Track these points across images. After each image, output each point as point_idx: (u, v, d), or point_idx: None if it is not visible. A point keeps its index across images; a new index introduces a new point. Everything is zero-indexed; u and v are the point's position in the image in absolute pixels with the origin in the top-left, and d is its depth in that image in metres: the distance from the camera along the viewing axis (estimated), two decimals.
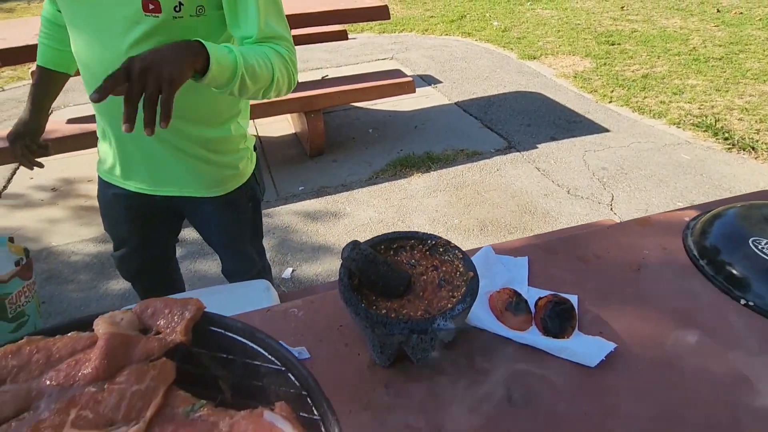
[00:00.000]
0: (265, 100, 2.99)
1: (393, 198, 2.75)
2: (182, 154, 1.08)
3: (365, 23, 6.13)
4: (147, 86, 0.72)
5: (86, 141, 2.53)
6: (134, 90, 0.72)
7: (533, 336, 0.78)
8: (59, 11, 1.05)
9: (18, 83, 4.65)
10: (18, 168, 3.15)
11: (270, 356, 0.40)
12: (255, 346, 0.41)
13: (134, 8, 0.87)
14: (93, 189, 2.89)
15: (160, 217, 1.26)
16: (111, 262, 2.27)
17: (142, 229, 1.27)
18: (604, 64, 4.57)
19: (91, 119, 2.61)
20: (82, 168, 3.10)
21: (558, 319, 0.78)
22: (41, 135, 1.20)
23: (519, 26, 5.89)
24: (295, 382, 0.37)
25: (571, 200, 2.71)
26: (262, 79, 0.90)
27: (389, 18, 3.15)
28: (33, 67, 3.70)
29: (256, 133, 3.53)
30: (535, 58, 4.83)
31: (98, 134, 1.18)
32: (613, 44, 5.06)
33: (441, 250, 0.80)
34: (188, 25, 0.92)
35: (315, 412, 0.34)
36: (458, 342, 0.76)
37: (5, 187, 2.97)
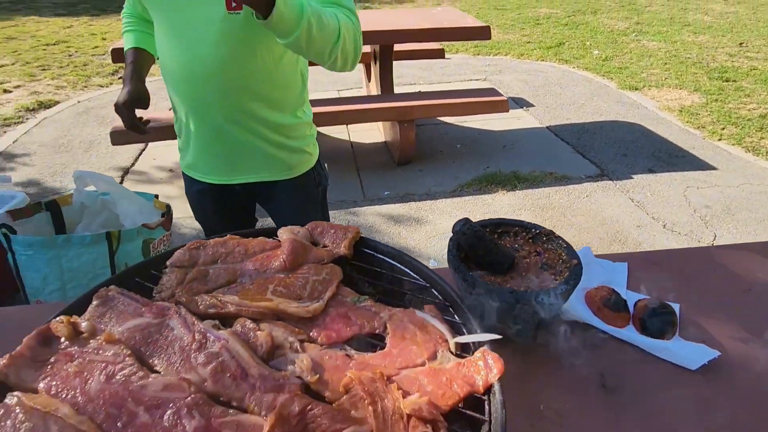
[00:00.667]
0: (361, 106, 3.16)
1: (476, 211, 2.78)
2: (259, 140, 1.16)
3: (461, 44, 6.25)
4: None
5: None
6: None
7: (632, 333, 0.78)
8: (144, 8, 1.17)
9: (150, 78, 5.28)
10: (144, 149, 3.58)
11: (415, 275, 0.47)
12: (401, 266, 0.48)
13: (219, 7, 0.98)
14: None
15: (240, 204, 1.35)
16: None
17: (226, 217, 1.35)
18: (716, 100, 4.28)
19: None
20: None
21: (659, 320, 0.79)
22: (149, 101, 1.24)
23: (621, 56, 5.69)
24: (438, 296, 0.44)
25: (666, 234, 2.57)
26: (328, 30, 0.93)
27: (490, 38, 3.22)
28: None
29: (348, 139, 3.73)
30: (636, 89, 4.64)
31: (176, 131, 1.27)
32: (727, 80, 4.72)
33: (544, 238, 0.83)
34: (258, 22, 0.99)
35: (457, 318, 0.41)
36: (555, 328, 0.79)
37: (132, 165, 3.40)
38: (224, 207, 1.32)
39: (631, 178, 3.09)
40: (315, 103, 3.30)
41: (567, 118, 4.03)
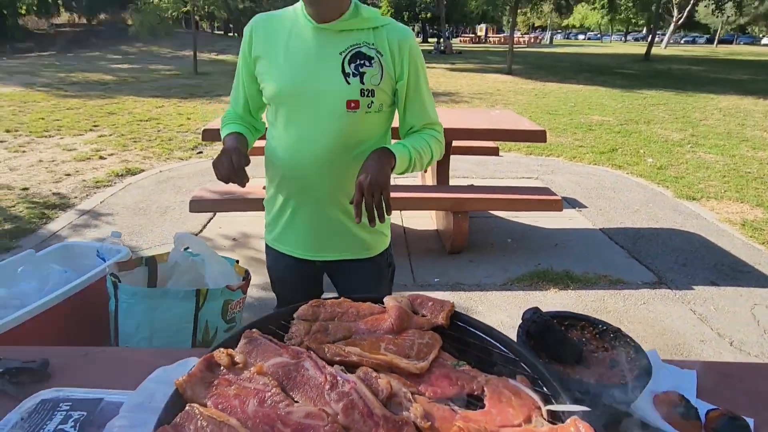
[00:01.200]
0: (418, 195, 3.33)
1: (526, 307, 2.74)
2: (349, 221, 1.28)
3: (513, 144, 6.51)
4: (375, 196, 1.05)
5: None
6: (369, 203, 1.05)
7: None
8: (251, 114, 1.37)
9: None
10: (212, 218, 3.86)
11: (504, 348, 0.52)
12: (491, 339, 0.54)
13: (341, 107, 1.16)
14: (263, 245, 3.43)
15: (316, 279, 1.46)
16: (268, 305, 2.61)
17: (301, 288, 1.44)
18: None
19: None
20: (260, 227, 3.68)
21: None
22: (247, 159, 1.26)
23: (676, 166, 5.71)
24: (526, 368, 0.48)
25: (734, 353, 2.41)
26: (426, 161, 1.24)
27: (545, 141, 3.38)
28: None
29: (401, 224, 3.88)
30: (694, 199, 4.60)
31: (268, 206, 1.39)
32: None
33: (612, 335, 0.86)
34: (371, 119, 1.20)
35: (545, 390, 0.45)
36: (625, 427, 0.78)
37: (200, 231, 3.66)
38: (302, 279, 1.42)
39: (692, 288, 2.98)
40: None
41: (621, 222, 4.02)
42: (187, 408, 0.48)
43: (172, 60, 18.44)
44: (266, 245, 1.44)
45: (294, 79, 1.19)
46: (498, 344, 0.53)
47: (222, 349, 0.56)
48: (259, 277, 2.96)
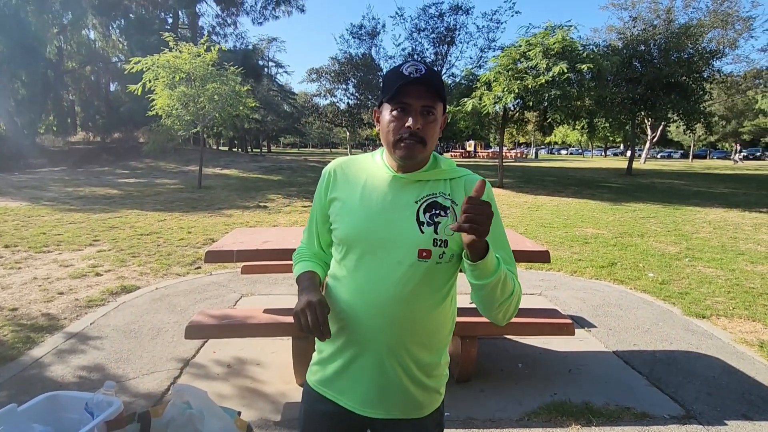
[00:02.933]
0: None
1: None
2: (405, 376, 1.21)
3: None
4: (481, 212, 0.99)
5: (275, 331, 2.93)
6: (476, 211, 1.00)
7: None
8: (323, 250, 1.36)
9: (222, 270, 5.76)
10: (206, 342, 3.67)
11: None
12: None
13: (412, 255, 1.16)
14: (261, 373, 3.22)
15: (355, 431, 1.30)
16: None
17: None
18: None
19: (283, 312, 3.07)
20: (256, 351, 3.50)
21: None
22: (329, 308, 1.20)
23: (678, 281, 5.68)
24: None
25: None
26: (509, 287, 1.12)
27: (549, 261, 3.37)
28: (238, 265, 4.54)
29: None
30: (704, 317, 4.49)
31: (321, 345, 1.30)
32: None
33: None
34: (441, 269, 1.18)
35: None
36: None
37: (193, 357, 3.45)
38: (338, 430, 1.29)
39: (725, 424, 2.75)
40: None
41: (634, 344, 3.86)
42: None
43: (178, 174, 19.28)
44: (306, 385, 1.33)
45: (367, 224, 1.20)
46: None
47: None
48: (256, 413, 2.72)
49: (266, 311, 3.09)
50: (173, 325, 4.02)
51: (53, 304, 4.44)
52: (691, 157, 46.22)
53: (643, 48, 20.61)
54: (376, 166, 1.27)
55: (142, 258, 6.27)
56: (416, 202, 1.20)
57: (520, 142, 77.65)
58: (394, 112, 1.16)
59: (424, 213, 1.18)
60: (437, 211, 1.19)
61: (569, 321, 3.13)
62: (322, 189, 1.31)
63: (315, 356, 1.35)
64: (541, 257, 3.34)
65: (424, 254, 1.15)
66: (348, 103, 32.96)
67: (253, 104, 15.33)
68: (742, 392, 3.11)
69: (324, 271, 1.37)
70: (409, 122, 1.14)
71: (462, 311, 3.37)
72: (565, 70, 13.25)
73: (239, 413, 1.28)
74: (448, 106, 16.20)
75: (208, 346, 3.61)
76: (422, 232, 1.17)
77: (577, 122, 19.98)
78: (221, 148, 43.52)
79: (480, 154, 48.87)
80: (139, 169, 20.80)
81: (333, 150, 73.95)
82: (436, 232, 1.17)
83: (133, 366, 3.29)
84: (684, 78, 20.51)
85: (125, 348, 3.56)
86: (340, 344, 1.25)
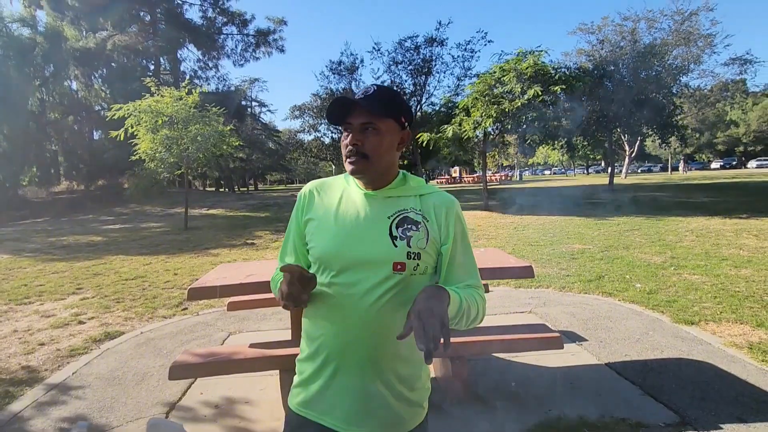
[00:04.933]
0: None
1: None
2: (385, 390, 1.21)
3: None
4: (434, 328, 0.97)
5: (261, 365, 2.87)
6: (426, 328, 0.97)
7: None
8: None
9: (209, 310, 5.66)
10: (193, 383, 3.58)
11: None
12: None
13: (387, 268, 1.19)
14: (250, 411, 3.14)
15: None
16: None
17: None
18: None
19: (270, 345, 3.02)
20: (244, 389, 3.42)
21: None
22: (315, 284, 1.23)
23: (665, 289, 5.72)
24: None
25: None
26: (472, 316, 1.18)
27: (534, 276, 3.39)
28: (224, 301, 4.49)
29: None
30: (693, 323, 4.50)
31: (302, 365, 1.31)
32: None
33: None
34: (416, 281, 1.21)
35: None
36: None
37: (179, 400, 3.35)
38: None
39: (720, 428, 2.73)
40: None
41: (626, 354, 3.85)
42: None
43: (164, 217, 19.14)
44: (289, 410, 1.31)
45: (342, 241, 1.23)
46: None
47: None
48: None
49: (252, 345, 3.04)
50: (159, 368, 3.92)
51: (33, 356, 4.31)
52: (670, 169, 47.32)
53: (612, 68, 21.38)
54: (348, 185, 1.32)
55: (126, 303, 6.15)
56: (389, 218, 1.24)
57: (504, 165, 78.99)
58: (344, 134, 1.26)
59: (397, 228, 1.22)
60: (409, 226, 1.23)
61: (557, 335, 3.13)
62: (298, 211, 1.36)
63: (296, 379, 1.34)
64: (525, 273, 3.36)
65: (399, 267, 1.19)
66: (332, 137, 33.38)
67: (237, 143, 15.45)
68: (735, 395, 3.10)
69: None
70: (348, 140, 1.23)
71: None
72: (539, 93, 13.65)
73: None
74: (429, 134, 16.29)
75: (194, 388, 3.52)
76: (396, 246, 1.20)
77: (555, 142, 20.44)
78: (207, 188, 43.47)
79: (465, 179, 49.48)
80: (125, 215, 20.62)
81: None
82: (409, 245, 1.21)
83: (117, 414, 3.18)
84: (654, 94, 21.23)
85: (108, 396, 3.45)
86: (320, 362, 1.25)
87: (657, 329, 4.41)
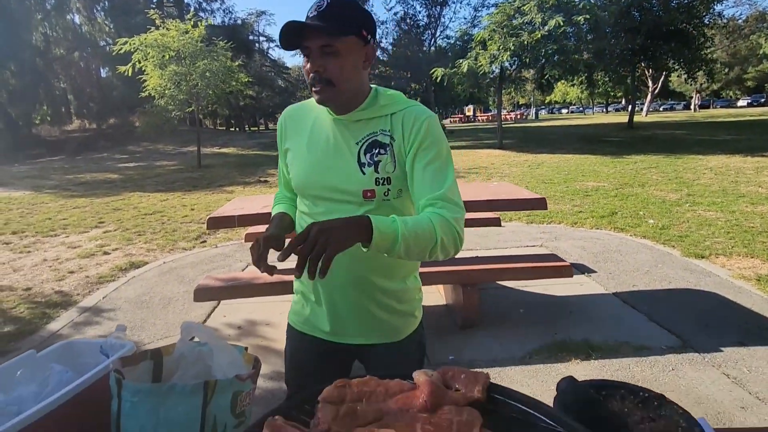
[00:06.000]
0: (425, 269, 3.29)
1: (550, 381, 2.59)
2: (373, 304, 1.25)
3: (514, 213, 6.59)
4: (316, 246, 0.89)
5: (280, 289, 3.01)
6: (306, 248, 0.90)
7: None
8: (294, 193, 1.38)
9: (227, 242, 5.84)
10: (216, 307, 3.78)
11: (551, 421, 0.47)
12: (534, 412, 0.48)
13: (358, 197, 1.16)
14: (271, 332, 3.33)
15: (341, 362, 1.36)
16: (277, 397, 2.46)
17: (321, 377, 1.37)
18: None
19: (288, 272, 3.14)
20: (265, 313, 3.61)
21: None
22: (284, 243, 1.28)
23: (679, 225, 5.72)
24: None
25: None
26: (423, 241, 1.03)
27: (546, 208, 3.41)
28: (241, 231, 4.62)
29: None
30: (703, 257, 4.55)
31: (296, 284, 1.37)
32: None
33: (656, 403, 0.79)
34: (390, 205, 1.17)
35: None
36: None
37: (205, 321, 3.56)
38: (325, 364, 1.34)
39: (721, 351, 2.84)
40: None
41: (634, 285, 3.94)
42: None
43: (176, 156, 19.25)
44: (289, 326, 1.39)
45: (314, 171, 1.21)
46: (544, 417, 0.48)
47: None
48: (268, 366, 2.83)
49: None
50: (183, 294, 4.13)
51: (65, 282, 4.55)
52: (693, 106, 45.47)
53: None
54: (319, 110, 1.25)
55: (147, 236, 6.36)
56: (357, 144, 1.19)
57: (520, 103, 76.53)
58: (304, 59, 1.13)
59: (365, 154, 1.18)
60: (377, 150, 1.18)
61: (566, 263, 3.20)
62: (279, 141, 1.34)
63: (293, 298, 1.40)
64: (538, 205, 3.38)
65: (369, 194, 1.16)
66: None
67: (246, 79, 15.15)
68: (738, 322, 3.20)
69: (294, 211, 1.40)
70: (308, 67, 1.12)
71: (462, 261, 3.45)
72: (561, 23, 12.94)
73: (246, 348, 1.35)
74: (443, 69, 15.54)
75: (218, 312, 3.72)
76: (364, 174, 1.16)
77: (575, 77, 19.61)
78: (218, 127, 43.20)
79: (479, 118, 48.30)
80: (138, 153, 20.77)
81: None
82: (377, 171, 1.16)
83: (148, 333, 3.41)
84: (684, 25, 19.97)
85: (138, 317, 3.68)
86: (310, 284, 1.29)
87: (667, 262, 4.47)
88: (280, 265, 1.25)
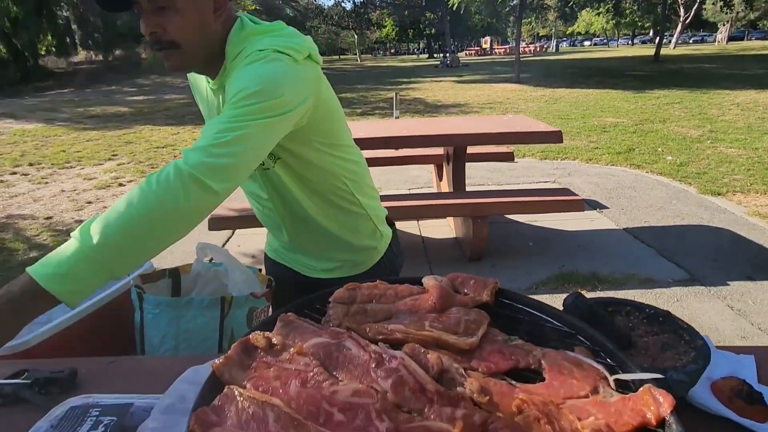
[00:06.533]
0: (435, 202, 3.29)
1: None
2: (330, 243, 1.20)
3: (527, 149, 6.47)
4: None
5: None
6: None
7: None
8: None
9: None
10: (231, 236, 3.88)
11: (557, 322, 0.48)
12: (542, 315, 0.50)
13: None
14: None
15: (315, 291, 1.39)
16: None
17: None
18: None
19: None
20: None
21: None
22: None
23: (697, 162, 5.58)
24: (585, 341, 0.45)
25: None
26: (130, 231, 0.74)
27: (561, 141, 3.33)
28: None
29: (419, 233, 3.83)
30: (719, 194, 4.47)
31: (265, 223, 1.33)
32: None
33: (660, 319, 0.81)
34: (279, 171, 1.04)
35: (610, 361, 0.41)
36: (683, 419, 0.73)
37: None
38: (302, 292, 1.36)
39: (727, 284, 2.87)
40: (390, 198, 3.50)
41: (645, 221, 3.92)
42: (226, 390, 0.45)
43: (185, 89, 18.88)
44: (265, 253, 1.41)
45: None
46: (550, 318, 0.49)
47: (258, 332, 0.53)
48: None
49: None
50: (199, 225, 4.21)
51: (84, 212, 4.67)
52: (726, 38, 42.74)
53: None
54: (201, 76, 1.09)
55: (160, 168, 6.41)
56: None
57: (540, 35, 72.54)
58: (141, 20, 0.91)
59: None
60: None
61: (578, 197, 3.17)
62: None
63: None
64: (552, 138, 3.31)
65: (263, 164, 1.05)
66: (354, 2, 30.77)
67: (252, 7, 14.48)
68: (749, 258, 3.20)
69: None
70: (143, 28, 0.91)
71: (472, 194, 3.44)
72: None
73: (260, 269, 1.39)
74: None
75: (232, 241, 3.82)
76: None
77: (601, 5, 18.37)
78: None
79: (496, 50, 46.09)
80: (147, 86, 20.44)
81: (342, 56, 70.59)
82: None
83: (165, 259, 3.52)
84: None
85: None
86: (276, 223, 1.23)
87: (681, 199, 4.42)
88: None
